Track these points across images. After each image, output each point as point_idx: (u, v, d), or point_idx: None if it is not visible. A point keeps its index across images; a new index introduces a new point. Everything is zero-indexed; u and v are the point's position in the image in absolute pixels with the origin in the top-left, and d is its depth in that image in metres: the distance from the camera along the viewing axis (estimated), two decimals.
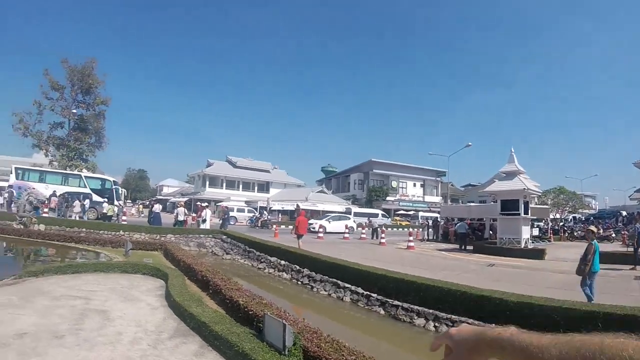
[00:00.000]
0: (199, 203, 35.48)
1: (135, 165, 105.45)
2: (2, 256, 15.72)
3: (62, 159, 39.96)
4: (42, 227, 20.07)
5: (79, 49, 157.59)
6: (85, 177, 35.71)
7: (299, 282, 14.38)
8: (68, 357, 5.50)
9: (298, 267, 15.00)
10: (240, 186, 66.25)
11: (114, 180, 37.64)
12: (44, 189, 31.07)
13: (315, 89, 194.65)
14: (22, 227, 19.35)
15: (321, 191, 61.46)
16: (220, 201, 52.29)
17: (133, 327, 6.95)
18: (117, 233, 21.42)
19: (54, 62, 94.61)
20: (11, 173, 33.81)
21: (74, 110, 41.50)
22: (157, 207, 28.39)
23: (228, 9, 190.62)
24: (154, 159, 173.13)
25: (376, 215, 49.28)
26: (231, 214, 36.14)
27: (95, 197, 32.29)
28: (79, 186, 33.73)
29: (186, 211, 28.56)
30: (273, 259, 16.85)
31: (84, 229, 21.36)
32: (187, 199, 53.39)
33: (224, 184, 65.07)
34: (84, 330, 6.56)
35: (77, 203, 27.84)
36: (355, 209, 52.72)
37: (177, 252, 14.59)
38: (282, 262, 16.18)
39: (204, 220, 26.85)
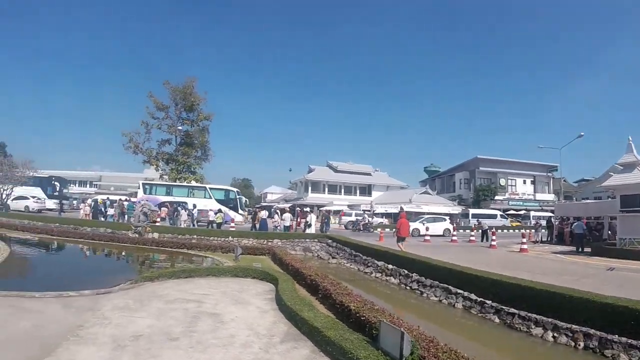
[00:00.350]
0: (297, 209, 36.01)
1: (239, 174, 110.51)
2: (120, 263, 17.00)
3: (171, 172, 43.07)
4: (155, 235, 21.50)
5: (183, 67, 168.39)
6: (210, 188, 38.23)
7: (408, 287, 13.90)
8: (182, 359, 5.49)
9: (407, 272, 14.49)
10: (342, 190, 66.46)
11: (237, 191, 39.89)
12: (172, 201, 33.54)
13: (411, 86, 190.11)
14: (137, 235, 20.87)
15: (425, 192, 59.63)
16: (323, 206, 52.84)
17: (245, 330, 6.92)
18: (227, 239, 22.29)
19: (156, 84, 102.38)
20: (139, 188, 37.12)
21: (180, 127, 44.56)
22: (264, 214, 29.26)
23: (327, 20, 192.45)
24: (257, 168, 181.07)
25: (494, 217, 47.47)
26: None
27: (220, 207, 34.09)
28: (204, 197, 36.26)
29: (292, 217, 29.11)
30: (380, 263, 16.44)
31: (195, 236, 22.53)
32: (290, 204, 54.72)
33: (326, 189, 65.72)
34: (197, 332, 6.61)
35: (183, 212, 29.59)
36: (472, 210, 50.69)
37: (284, 257, 14.73)
38: (390, 266, 15.72)
39: (309, 225, 27.16)
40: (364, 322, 6.65)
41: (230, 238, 22.70)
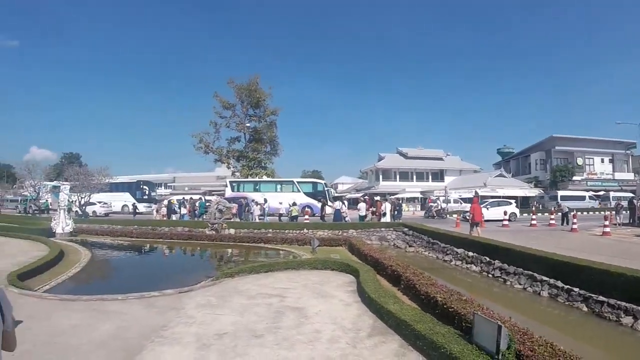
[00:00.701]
0: (366, 197, 35.40)
1: (309, 166, 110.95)
2: (199, 260, 17.41)
3: (242, 169, 44.01)
4: (232, 231, 21.91)
5: (245, 63, 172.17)
6: (298, 182, 38.56)
7: (490, 275, 13.13)
8: (269, 358, 5.28)
9: (488, 259, 13.66)
10: (414, 177, 64.89)
11: (324, 182, 40.10)
12: (260, 198, 33.73)
13: (479, 64, 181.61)
14: (214, 232, 21.35)
15: (500, 175, 56.76)
16: (395, 194, 51.95)
17: (330, 324, 6.64)
18: (302, 231, 22.27)
19: (221, 84, 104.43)
20: (226, 186, 38.51)
21: (247, 124, 45.44)
22: (338, 204, 29.01)
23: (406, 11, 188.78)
24: (326, 159, 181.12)
25: (582, 198, 45.22)
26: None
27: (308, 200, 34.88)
28: (292, 191, 36.39)
29: (366, 206, 28.71)
30: (460, 250, 15.65)
31: (270, 230, 22.73)
32: (362, 194, 54.32)
33: (397, 176, 64.46)
34: (281, 328, 6.39)
35: (256, 207, 29.96)
36: (561, 192, 47.70)
37: (362, 247, 14.39)
38: (470, 253, 14.93)
39: (384, 214, 26.61)
40: (453, 314, 6.26)
41: (305, 230, 22.70)
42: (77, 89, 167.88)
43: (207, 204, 31.57)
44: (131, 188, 44.33)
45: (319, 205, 32.26)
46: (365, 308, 7.61)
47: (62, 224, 22.24)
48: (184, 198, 38.38)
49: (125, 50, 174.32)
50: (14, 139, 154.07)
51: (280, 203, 31.72)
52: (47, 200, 40.97)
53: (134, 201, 40.58)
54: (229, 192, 37.00)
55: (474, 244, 15.13)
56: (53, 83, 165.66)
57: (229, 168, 46.08)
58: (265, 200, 31.81)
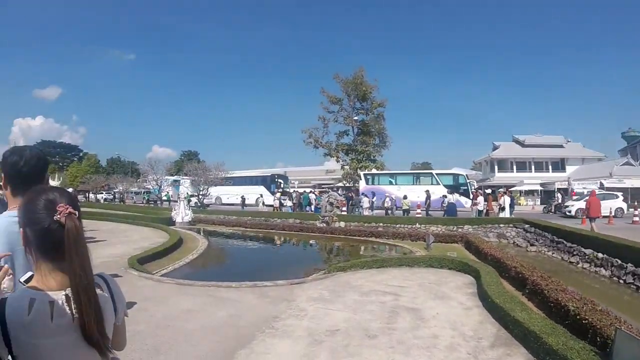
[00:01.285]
0: (478, 190, 33.14)
1: (418, 159, 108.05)
2: (310, 252, 17.54)
3: (352, 162, 44.14)
4: (342, 224, 21.90)
5: (350, 57, 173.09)
6: (437, 174, 37.43)
7: (621, 281, 11.44)
8: None
9: (620, 262, 11.89)
10: (532, 167, 59.74)
11: (465, 175, 38.43)
12: (396, 191, 33.47)
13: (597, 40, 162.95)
14: (325, 225, 21.47)
15: (627, 163, 49.74)
16: (512, 186, 48.53)
17: (448, 329, 6.13)
18: (414, 226, 21.58)
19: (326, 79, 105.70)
20: (360, 179, 38.88)
21: (355, 118, 45.53)
22: (452, 197, 27.72)
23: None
24: (437, 150, 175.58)
25: None
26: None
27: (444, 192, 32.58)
28: (432, 184, 34.89)
29: (484, 200, 27.06)
30: (588, 251, 13.85)
31: (380, 224, 22.36)
32: (476, 186, 51.67)
33: (514, 167, 59.70)
34: (396, 330, 6.02)
35: (365, 200, 29.62)
36: None
37: (481, 245, 13.45)
38: (600, 254, 13.11)
39: (503, 208, 24.87)
40: (587, 327, 5.46)
41: (417, 225, 21.93)
42: (192, 93, 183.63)
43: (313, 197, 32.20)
44: (265, 181, 45.75)
45: (462, 199, 31.06)
46: (487, 314, 6.92)
47: (181, 214, 23.96)
48: (296, 190, 39.48)
49: (233, 51, 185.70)
50: (138, 139, 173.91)
51: (419, 197, 29.85)
52: (168, 193, 44.79)
53: (269, 194, 41.99)
54: (363, 185, 36.98)
55: (604, 243, 13.28)
56: (171, 88, 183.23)
57: (338, 162, 46.59)
58: (373, 194, 31.27)
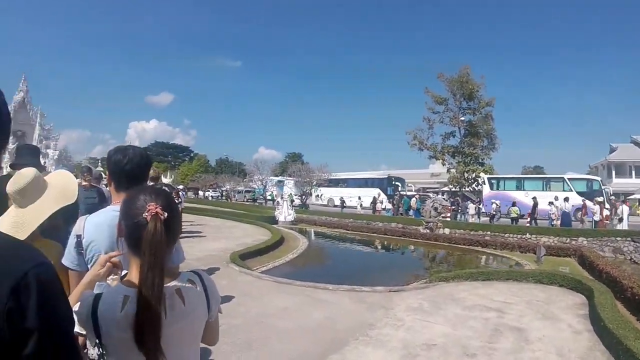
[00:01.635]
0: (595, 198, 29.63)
1: (529, 162, 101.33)
2: (410, 259, 16.96)
3: (458, 165, 42.42)
4: (446, 230, 21.06)
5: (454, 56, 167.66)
6: (569, 179, 35.04)
7: None
8: None
9: None
10: None
11: (600, 180, 35.23)
12: (524, 197, 32.02)
13: None
14: (428, 231, 20.75)
15: None
16: (631, 194, 43.48)
17: (553, 355, 5.59)
18: (524, 236, 20.20)
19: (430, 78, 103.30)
20: (484, 184, 37.60)
21: (462, 118, 43.54)
22: (565, 205, 25.17)
23: None
24: (550, 153, 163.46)
25: None
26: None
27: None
28: (563, 190, 32.84)
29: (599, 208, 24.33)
30: None
31: (488, 232, 21.21)
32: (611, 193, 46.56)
33: (633, 172, 53.05)
34: (497, 350, 5.60)
35: (471, 206, 28.23)
36: None
37: (596, 260, 12.10)
38: None
39: (621, 219, 22.22)
40: None
41: (527, 235, 20.51)
42: (296, 96, 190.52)
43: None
44: (382, 183, 45.14)
45: (595, 207, 28.14)
46: (597, 339, 6.19)
47: (284, 213, 24.61)
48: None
49: (337, 54, 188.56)
50: (246, 141, 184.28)
51: (551, 203, 26.33)
52: (272, 192, 46.41)
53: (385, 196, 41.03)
54: (487, 191, 35.56)
55: None
56: (275, 92, 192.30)
57: (444, 165, 44.92)
58: (536, 204, 29.08)
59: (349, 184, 43.07)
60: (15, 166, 3.63)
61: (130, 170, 2.21)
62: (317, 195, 38.56)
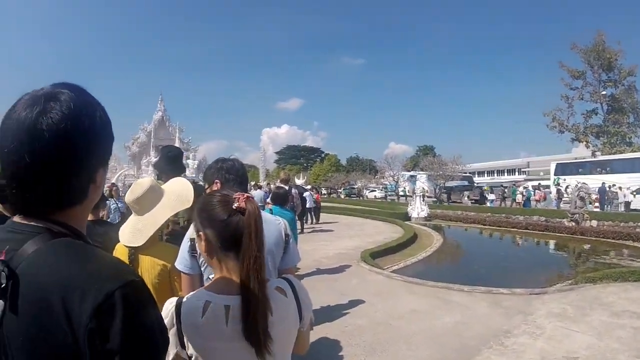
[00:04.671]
0: None
1: None
2: (553, 256, 15.38)
3: (604, 147, 37.98)
4: (594, 223, 18.89)
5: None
6: None
7: None
8: None
9: None
10: None
11: None
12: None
13: None
14: (574, 224, 18.70)
15: None
16: None
17: None
18: None
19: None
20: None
21: (603, 92, 38.94)
22: None
23: None
24: None
25: None
26: None
27: None
28: None
29: None
30: None
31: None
32: None
33: None
34: None
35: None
36: None
37: None
38: None
39: None
40: None
41: None
42: (424, 88, 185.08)
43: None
44: None
45: None
46: None
47: (417, 209, 24.21)
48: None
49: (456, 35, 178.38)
50: (375, 138, 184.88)
51: None
52: (404, 188, 45.87)
53: None
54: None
55: None
56: (402, 86, 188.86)
57: (587, 147, 40.53)
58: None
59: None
60: (159, 176, 3.93)
61: (243, 174, 2.38)
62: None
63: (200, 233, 1.41)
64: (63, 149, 0.90)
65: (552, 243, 17.13)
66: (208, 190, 2.43)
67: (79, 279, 0.85)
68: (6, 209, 2.92)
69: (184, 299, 1.38)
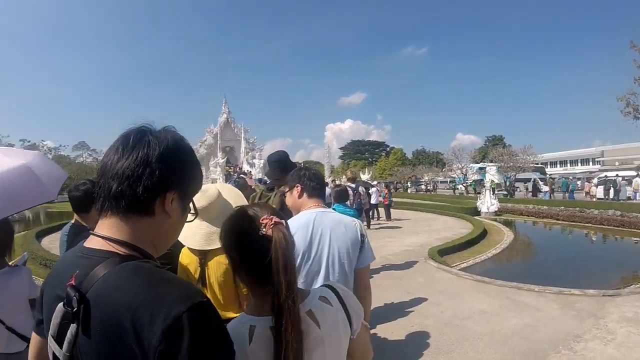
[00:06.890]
0: None
1: None
2: (633, 256, 13.97)
3: None
4: None
5: None
6: None
7: None
8: None
9: None
10: None
11: None
12: None
13: None
14: None
15: None
16: None
17: None
18: None
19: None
20: None
21: None
22: None
23: None
24: None
25: None
26: None
27: None
28: None
29: None
30: None
31: None
32: None
33: None
34: None
35: None
36: None
37: None
38: None
39: None
40: None
41: None
42: (491, 76, 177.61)
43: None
44: None
45: None
46: None
47: (487, 203, 23.30)
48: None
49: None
50: (442, 129, 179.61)
51: None
52: (473, 182, 44.41)
53: None
54: None
55: None
56: (468, 75, 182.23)
57: None
58: None
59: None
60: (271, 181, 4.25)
61: (323, 181, 2.65)
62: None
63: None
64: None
65: (630, 239, 16.01)
66: (287, 194, 2.71)
67: (148, 302, 0.88)
68: (85, 219, 3.19)
69: (227, 326, 1.25)
